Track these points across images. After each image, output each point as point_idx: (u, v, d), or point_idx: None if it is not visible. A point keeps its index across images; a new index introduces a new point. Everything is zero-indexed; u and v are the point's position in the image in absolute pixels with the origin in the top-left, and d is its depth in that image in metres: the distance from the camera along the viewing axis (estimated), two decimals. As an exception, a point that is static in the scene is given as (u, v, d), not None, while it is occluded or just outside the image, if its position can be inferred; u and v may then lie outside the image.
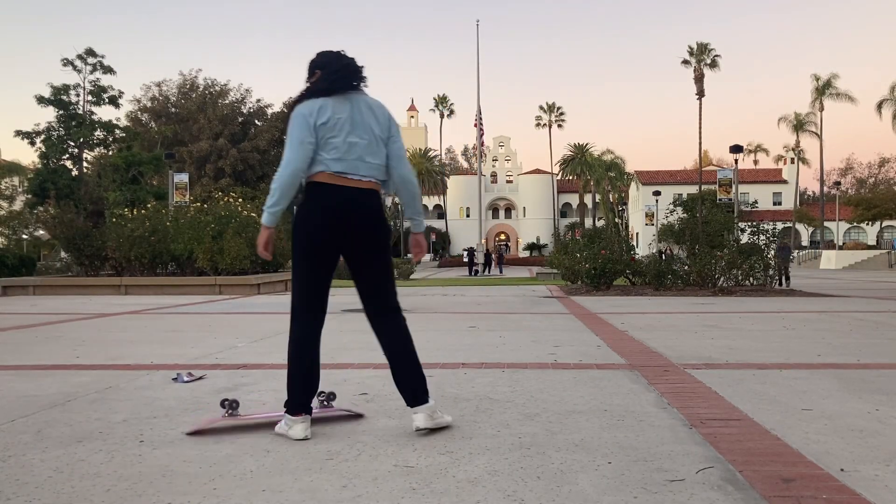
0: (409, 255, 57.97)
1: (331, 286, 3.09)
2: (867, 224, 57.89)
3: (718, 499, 2.11)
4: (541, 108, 75.87)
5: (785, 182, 69.84)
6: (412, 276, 26.28)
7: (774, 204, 69.36)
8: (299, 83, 3.09)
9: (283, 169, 2.85)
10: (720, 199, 26.30)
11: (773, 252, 14.77)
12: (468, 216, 76.20)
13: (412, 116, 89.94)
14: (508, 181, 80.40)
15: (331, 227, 2.87)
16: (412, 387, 2.96)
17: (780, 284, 15.66)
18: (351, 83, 2.96)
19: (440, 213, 78.58)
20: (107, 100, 34.25)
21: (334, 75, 2.92)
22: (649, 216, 56.51)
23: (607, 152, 70.00)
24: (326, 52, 3.02)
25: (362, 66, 3.01)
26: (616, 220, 65.20)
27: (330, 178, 2.87)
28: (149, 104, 52.37)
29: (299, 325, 2.95)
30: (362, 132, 2.92)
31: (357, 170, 2.90)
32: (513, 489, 2.20)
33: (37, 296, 14.60)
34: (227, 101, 52.00)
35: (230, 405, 3.05)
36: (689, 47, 47.52)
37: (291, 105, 2.97)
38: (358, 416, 3.25)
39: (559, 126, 75.91)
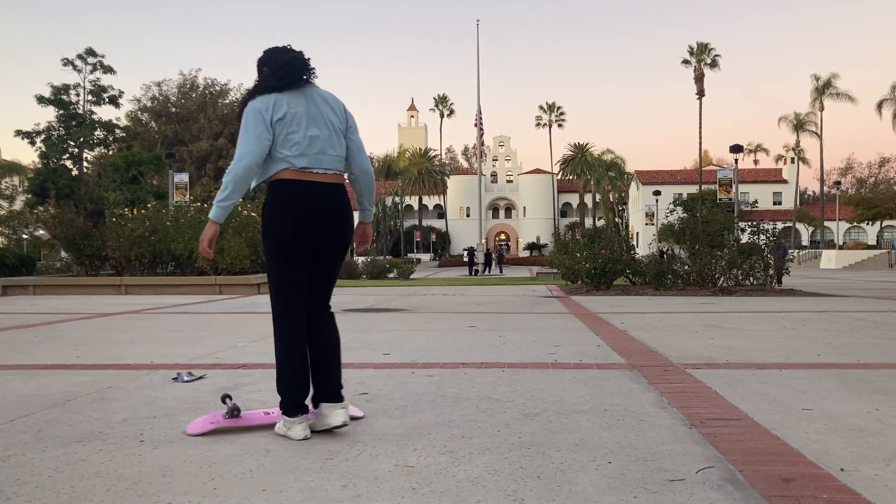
0: (410, 256, 57.96)
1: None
2: (867, 224, 57.90)
3: (718, 498, 2.11)
4: (541, 107, 75.96)
5: (785, 182, 69.85)
6: (412, 276, 26.27)
7: (774, 204, 69.38)
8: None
9: (237, 163, 2.81)
10: (720, 199, 26.34)
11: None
12: (468, 216, 76.19)
13: (412, 116, 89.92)
14: (508, 181, 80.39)
15: (303, 225, 2.86)
16: (334, 384, 2.96)
17: (780, 283, 15.65)
18: (300, 77, 2.93)
19: (440, 212, 78.58)
20: (107, 99, 34.28)
21: (282, 70, 2.90)
22: (649, 216, 56.55)
23: (607, 152, 70.08)
24: (272, 48, 3.01)
25: (309, 59, 2.99)
26: (616, 219, 65.25)
27: (295, 174, 2.86)
28: (149, 104, 52.42)
29: (284, 327, 2.92)
30: (321, 125, 2.92)
31: (321, 163, 2.90)
32: (513, 489, 2.20)
33: (37, 295, 14.60)
34: (227, 101, 52.06)
35: (231, 411, 3.02)
36: (689, 47, 47.56)
37: (242, 102, 2.95)
38: (356, 418, 3.24)
39: (559, 126, 75.97)
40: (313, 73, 2.99)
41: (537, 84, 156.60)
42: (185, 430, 2.97)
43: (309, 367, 2.96)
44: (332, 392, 2.93)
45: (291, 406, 2.87)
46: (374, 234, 64.76)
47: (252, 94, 2.93)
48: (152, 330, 7.32)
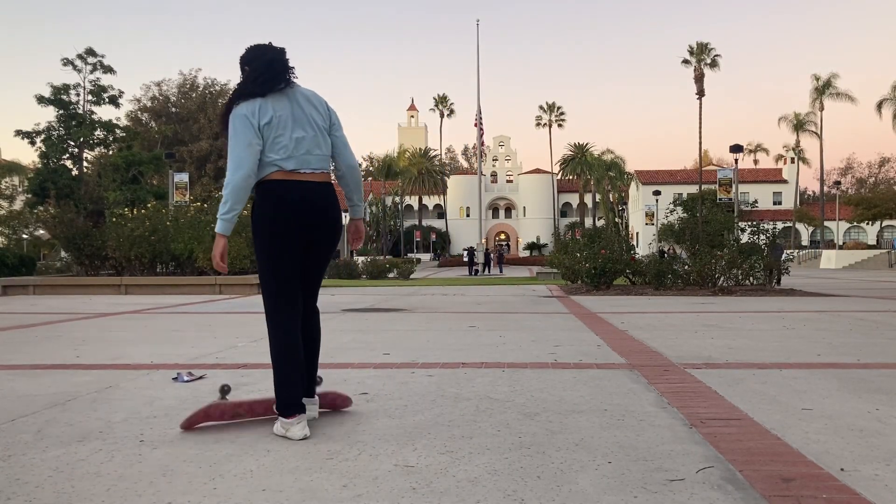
0: (410, 256, 57.92)
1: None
2: (867, 224, 57.90)
3: (718, 498, 2.11)
4: (541, 107, 75.93)
5: (785, 182, 69.85)
6: (412, 276, 26.27)
7: (774, 203, 69.38)
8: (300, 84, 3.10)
9: (232, 173, 2.84)
10: (720, 199, 26.34)
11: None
12: (468, 216, 76.18)
13: (412, 116, 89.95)
14: (508, 181, 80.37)
15: (294, 222, 2.89)
16: (312, 381, 3.09)
17: (778, 283, 15.64)
18: (281, 80, 2.95)
19: (440, 212, 78.57)
20: (107, 99, 34.30)
21: (262, 76, 2.92)
22: (649, 216, 56.55)
23: (607, 152, 70.06)
24: (254, 47, 3.03)
25: (288, 59, 3.01)
26: (616, 219, 65.21)
27: (284, 175, 2.90)
28: (149, 104, 52.44)
29: (279, 326, 2.95)
30: (306, 126, 2.95)
31: (308, 164, 2.94)
32: (513, 489, 2.20)
33: (37, 295, 14.60)
34: (227, 101, 51.96)
35: (222, 391, 3.10)
36: (690, 47, 47.55)
37: (225, 109, 2.96)
38: (346, 402, 3.32)
39: (559, 126, 75.93)
40: (293, 72, 3.01)
41: (537, 84, 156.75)
42: (179, 421, 2.97)
43: (304, 364, 2.98)
44: (309, 389, 3.07)
45: (289, 406, 2.87)
46: (375, 234, 64.06)
47: (235, 99, 2.95)
48: (152, 330, 7.31)
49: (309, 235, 2.94)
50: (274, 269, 2.93)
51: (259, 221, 2.94)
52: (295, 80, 3.01)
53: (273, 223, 2.90)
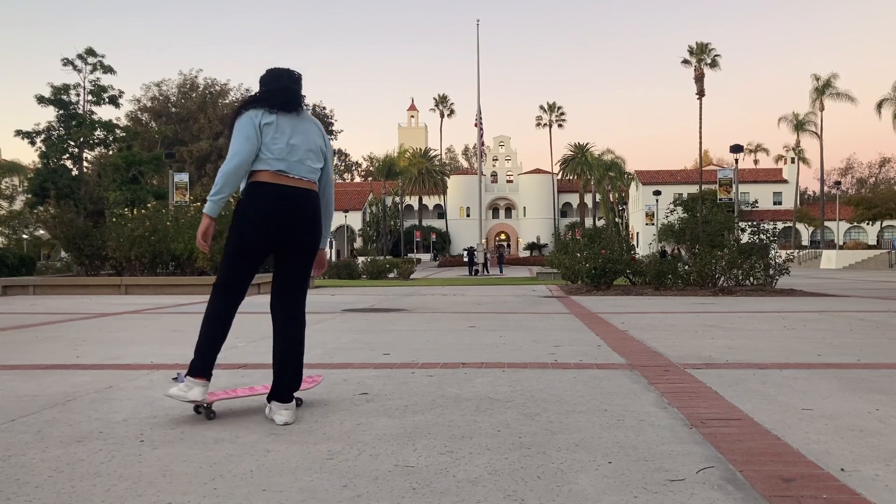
0: (410, 256, 58.01)
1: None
2: (867, 224, 57.90)
3: (719, 498, 2.11)
4: (541, 107, 76.06)
5: (785, 182, 69.86)
6: (412, 276, 26.27)
7: (775, 203, 69.40)
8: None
9: (228, 161, 3.04)
10: (720, 199, 26.35)
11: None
12: (468, 216, 76.18)
13: (412, 116, 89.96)
14: (508, 181, 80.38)
15: (270, 223, 3.07)
16: (289, 384, 3.16)
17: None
18: (292, 108, 3.16)
19: (440, 212, 78.59)
20: (107, 99, 34.30)
21: (277, 99, 3.12)
22: (649, 216, 56.56)
23: (607, 152, 70.04)
24: (273, 70, 3.24)
25: (301, 88, 3.22)
26: (616, 219, 65.25)
27: (271, 176, 3.07)
28: (149, 104, 52.45)
29: (219, 303, 3.20)
30: (303, 138, 3.16)
31: (298, 171, 3.12)
32: (513, 489, 2.20)
33: (37, 295, 14.59)
34: (227, 101, 52.05)
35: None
36: (690, 47, 47.53)
37: (235, 112, 3.16)
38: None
39: (559, 126, 76.00)
40: (302, 101, 3.24)
41: (537, 84, 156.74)
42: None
43: (223, 342, 3.20)
44: (281, 392, 3.14)
45: (198, 368, 3.07)
46: (375, 234, 64.11)
47: (246, 104, 3.16)
48: (152, 330, 7.31)
49: (285, 237, 3.10)
50: (236, 259, 3.14)
51: (238, 215, 3.11)
52: (304, 107, 3.24)
53: (248, 219, 3.07)
